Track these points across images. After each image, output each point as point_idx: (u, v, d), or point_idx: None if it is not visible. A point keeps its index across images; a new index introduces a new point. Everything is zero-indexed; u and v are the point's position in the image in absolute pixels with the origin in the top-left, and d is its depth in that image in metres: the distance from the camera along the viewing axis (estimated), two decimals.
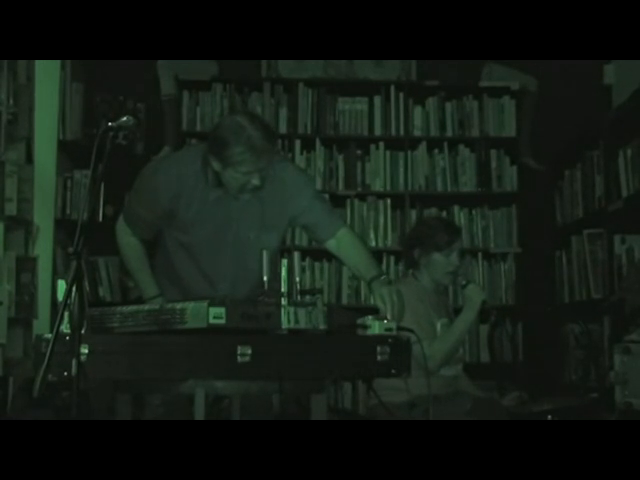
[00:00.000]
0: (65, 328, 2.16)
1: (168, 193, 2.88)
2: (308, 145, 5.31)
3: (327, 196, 5.15)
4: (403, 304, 2.65)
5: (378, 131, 5.37)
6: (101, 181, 2.36)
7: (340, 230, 2.97)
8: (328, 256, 3.14)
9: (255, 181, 2.76)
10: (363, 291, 5.17)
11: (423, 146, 5.34)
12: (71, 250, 2.16)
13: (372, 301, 2.76)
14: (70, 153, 4.83)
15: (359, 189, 5.31)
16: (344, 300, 5.20)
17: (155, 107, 5.33)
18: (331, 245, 3.00)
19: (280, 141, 5.30)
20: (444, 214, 5.28)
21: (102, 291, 4.99)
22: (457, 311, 3.69)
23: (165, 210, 2.91)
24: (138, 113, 5.20)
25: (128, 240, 3.05)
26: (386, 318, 2.54)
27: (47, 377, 2.03)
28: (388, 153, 5.32)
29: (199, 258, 2.96)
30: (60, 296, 2.21)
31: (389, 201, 5.28)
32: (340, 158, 5.33)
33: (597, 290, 4.54)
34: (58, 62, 4.50)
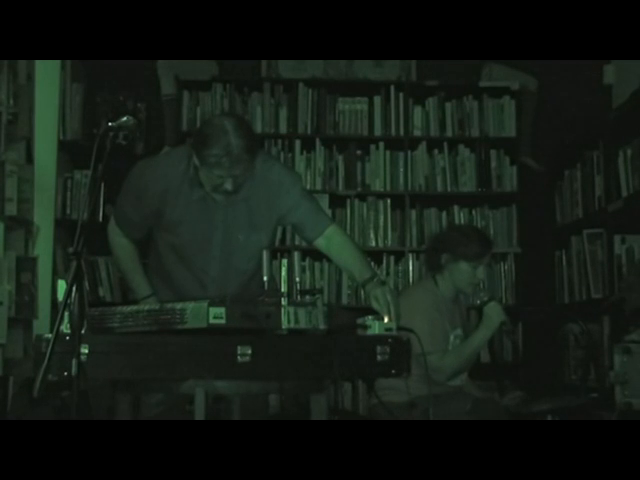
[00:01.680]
0: (65, 328, 2.16)
1: (155, 192, 2.88)
2: (308, 145, 5.31)
3: (327, 196, 5.17)
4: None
5: (378, 131, 5.36)
6: (101, 181, 2.36)
7: (328, 229, 2.95)
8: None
9: (227, 186, 2.74)
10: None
11: (423, 146, 5.33)
12: (71, 250, 2.16)
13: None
14: (70, 153, 4.83)
15: (359, 189, 5.30)
16: (344, 300, 5.19)
17: (155, 107, 5.33)
18: (320, 244, 2.97)
19: (280, 141, 5.31)
20: (444, 214, 5.28)
21: (102, 291, 5.00)
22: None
23: (153, 210, 2.91)
24: (138, 113, 5.20)
25: (119, 241, 3.04)
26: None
27: (47, 377, 2.03)
28: (388, 153, 5.31)
29: (188, 259, 2.96)
30: (60, 296, 2.22)
31: (389, 201, 5.27)
32: (340, 158, 5.32)
33: (597, 290, 4.54)
34: (58, 62, 4.50)
